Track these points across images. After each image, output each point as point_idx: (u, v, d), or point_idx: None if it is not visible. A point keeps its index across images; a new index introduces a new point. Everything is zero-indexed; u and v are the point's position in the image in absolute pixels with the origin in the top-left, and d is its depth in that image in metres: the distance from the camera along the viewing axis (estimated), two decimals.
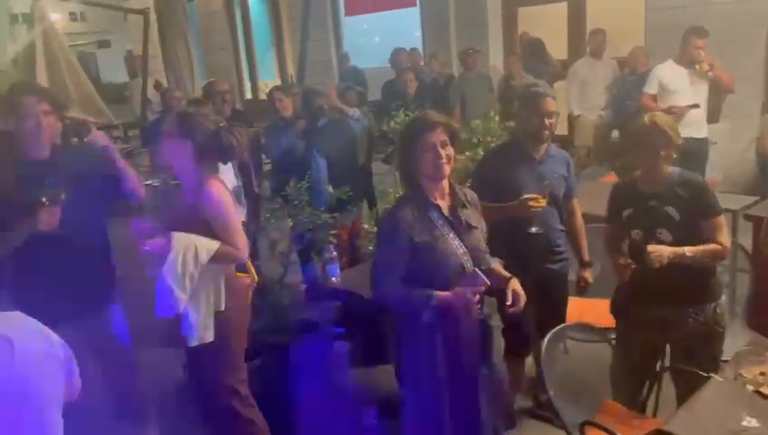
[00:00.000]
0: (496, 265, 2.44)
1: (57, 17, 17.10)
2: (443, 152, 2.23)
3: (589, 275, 3.21)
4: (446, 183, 2.34)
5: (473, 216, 2.39)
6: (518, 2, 8.54)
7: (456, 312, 2.24)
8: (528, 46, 7.58)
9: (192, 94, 7.91)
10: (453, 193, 2.36)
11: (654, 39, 6.58)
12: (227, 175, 3.99)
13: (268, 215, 3.82)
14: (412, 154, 2.27)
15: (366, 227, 4.10)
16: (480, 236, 2.40)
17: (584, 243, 3.21)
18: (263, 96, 13.24)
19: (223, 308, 2.64)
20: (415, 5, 9.63)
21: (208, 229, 2.56)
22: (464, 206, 2.36)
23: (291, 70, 12.00)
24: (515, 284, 2.33)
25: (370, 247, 4.03)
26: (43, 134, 2.57)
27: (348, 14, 11.08)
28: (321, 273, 3.99)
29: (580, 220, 3.22)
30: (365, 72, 9.41)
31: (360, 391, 3.62)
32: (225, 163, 2.84)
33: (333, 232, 3.76)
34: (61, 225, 2.50)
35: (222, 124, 2.71)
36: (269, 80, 13.55)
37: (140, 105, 9.89)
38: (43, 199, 2.42)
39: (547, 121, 2.91)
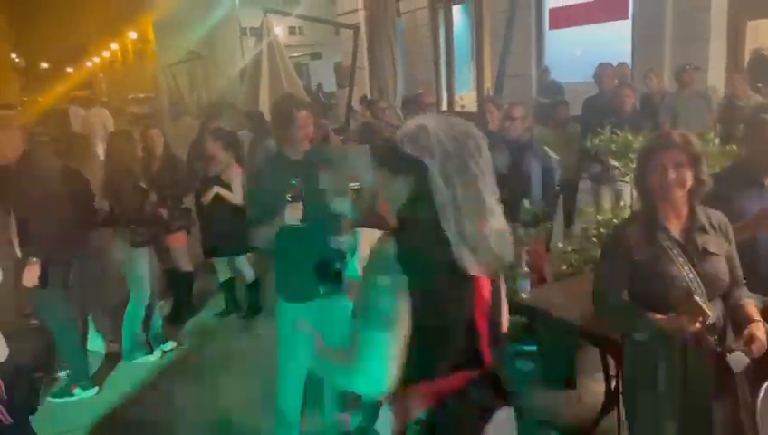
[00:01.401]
0: (749, 301, 2.26)
1: (279, 31, 19.02)
2: (673, 174, 2.16)
3: None
4: (683, 204, 2.24)
5: (713, 241, 2.24)
6: (749, 14, 7.73)
7: (673, 339, 2.14)
8: (756, 63, 6.84)
9: (394, 104, 8.31)
10: (692, 215, 2.25)
11: None
12: None
13: None
14: (645, 171, 2.25)
15: (560, 245, 3.98)
16: (721, 264, 2.23)
17: None
18: (458, 108, 13.49)
19: None
20: (627, 18, 9.15)
21: (388, 225, 2.74)
22: (703, 230, 2.24)
23: (488, 83, 12.06)
24: (757, 328, 2.13)
25: (563, 267, 3.92)
26: (306, 143, 2.97)
27: (552, 27, 10.86)
28: (509, 287, 3.97)
29: None
30: (564, 86, 9.16)
31: (541, 412, 3.55)
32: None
33: (526, 248, 3.71)
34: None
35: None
36: (465, 93, 13.77)
37: (345, 113, 10.64)
38: (289, 197, 2.74)
39: None
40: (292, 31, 28.29)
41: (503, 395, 1.62)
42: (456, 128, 1.54)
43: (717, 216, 2.33)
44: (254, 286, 5.28)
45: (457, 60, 13.64)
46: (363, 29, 11.05)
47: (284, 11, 13.95)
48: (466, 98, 13.64)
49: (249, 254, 5.19)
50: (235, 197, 4.90)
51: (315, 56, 26.89)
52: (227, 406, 3.94)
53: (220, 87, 26.49)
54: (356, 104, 10.36)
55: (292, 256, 2.92)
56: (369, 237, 2.72)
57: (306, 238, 2.84)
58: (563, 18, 10.65)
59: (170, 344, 4.82)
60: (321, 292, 3.01)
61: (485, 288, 1.58)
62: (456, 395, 1.54)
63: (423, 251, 1.50)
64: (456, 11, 13.63)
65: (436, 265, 1.49)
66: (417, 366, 1.51)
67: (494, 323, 1.62)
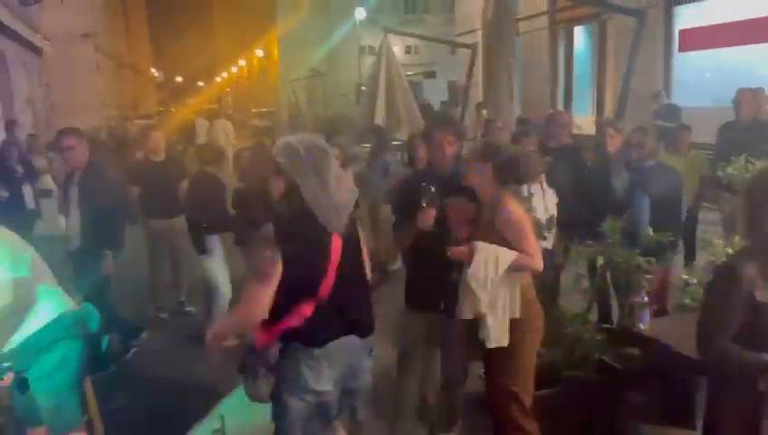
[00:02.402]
0: None
1: (395, 50, 19.46)
2: None
3: None
4: None
5: None
6: None
7: None
8: None
9: (509, 124, 8.24)
10: None
11: None
12: (542, 201, 4.12)
13: (580, 249, 3.78)
14: (766, 204, 2.11)
15: (685, 277, 3.78)
16: None
17: None
18: (574, 130, 13.10)
19: (518, 316, 2.78)
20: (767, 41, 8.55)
21: (504, 241, 2.75)
22: None
23: (608, 106, 11.67)
24: None
25: (686, 300, 3.72)
26: (445, 161, 3.12)
27: (683, 49, 10.32)
28: (626, 316, 3.81)
29: None
30: (689, 111, 8.65)
31: None
32: (521, 184, 3.13)
33: (648, 277, 3.55)
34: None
35: (522, 152, 2.96)
36: (582, 115, 13.38)
37: None
38: (424, 203, 2.88)
39: None
40: (407, 50, 28.88)
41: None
42: (306, 141, 2.34)
43: None
44: None
45: (576, 81, 13.30)
46: (481, 48, 11.08)
47: (404, 31, 14.27)
48: (583, 120, 13.25)
49: None
50: None
51: (429, 75, 27.16)
52: None
53: (338, 103, 27.48)
54: (467, 119, 10.40)
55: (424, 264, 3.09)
56: (485, 251, 2.75)
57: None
58: (695, 40, 10.09)
59: None
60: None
61: (337, 242, 2.31)
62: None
63: (299, 222, 2.26)
64: (578, 31, 13.32)
65: (309, 230, 2.26)
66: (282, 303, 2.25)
67: (347, 266, 2.35)
